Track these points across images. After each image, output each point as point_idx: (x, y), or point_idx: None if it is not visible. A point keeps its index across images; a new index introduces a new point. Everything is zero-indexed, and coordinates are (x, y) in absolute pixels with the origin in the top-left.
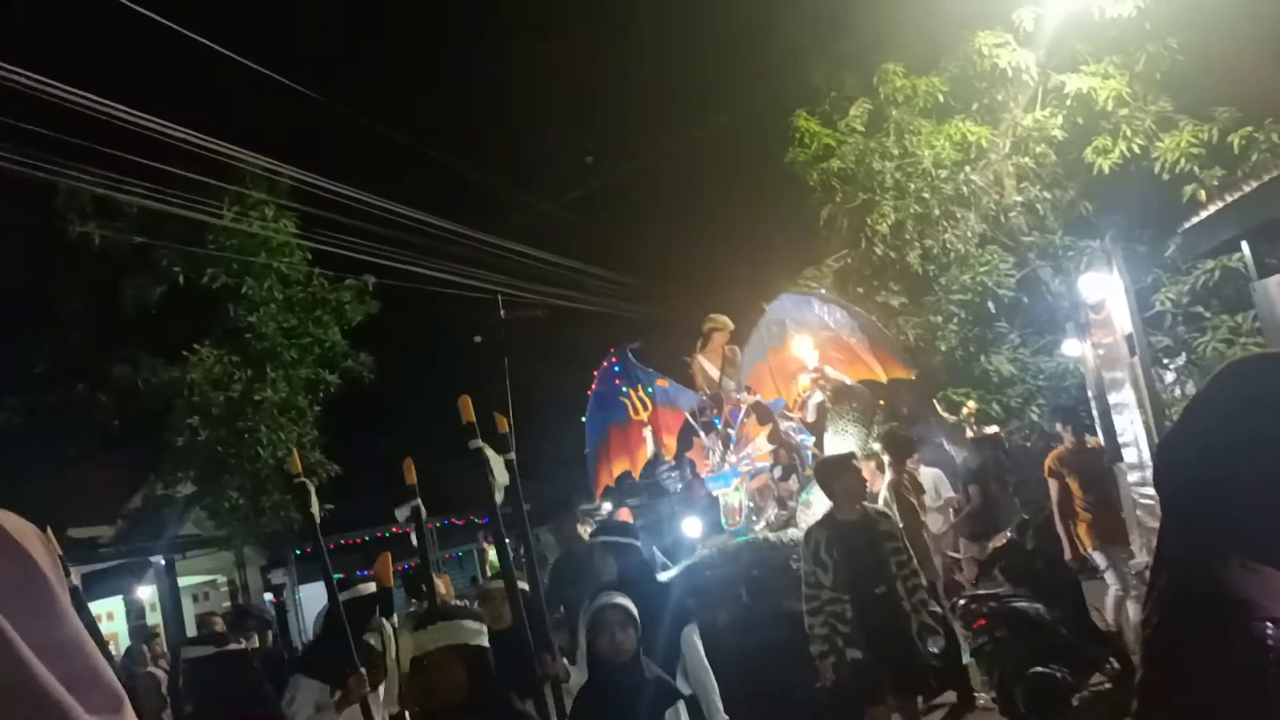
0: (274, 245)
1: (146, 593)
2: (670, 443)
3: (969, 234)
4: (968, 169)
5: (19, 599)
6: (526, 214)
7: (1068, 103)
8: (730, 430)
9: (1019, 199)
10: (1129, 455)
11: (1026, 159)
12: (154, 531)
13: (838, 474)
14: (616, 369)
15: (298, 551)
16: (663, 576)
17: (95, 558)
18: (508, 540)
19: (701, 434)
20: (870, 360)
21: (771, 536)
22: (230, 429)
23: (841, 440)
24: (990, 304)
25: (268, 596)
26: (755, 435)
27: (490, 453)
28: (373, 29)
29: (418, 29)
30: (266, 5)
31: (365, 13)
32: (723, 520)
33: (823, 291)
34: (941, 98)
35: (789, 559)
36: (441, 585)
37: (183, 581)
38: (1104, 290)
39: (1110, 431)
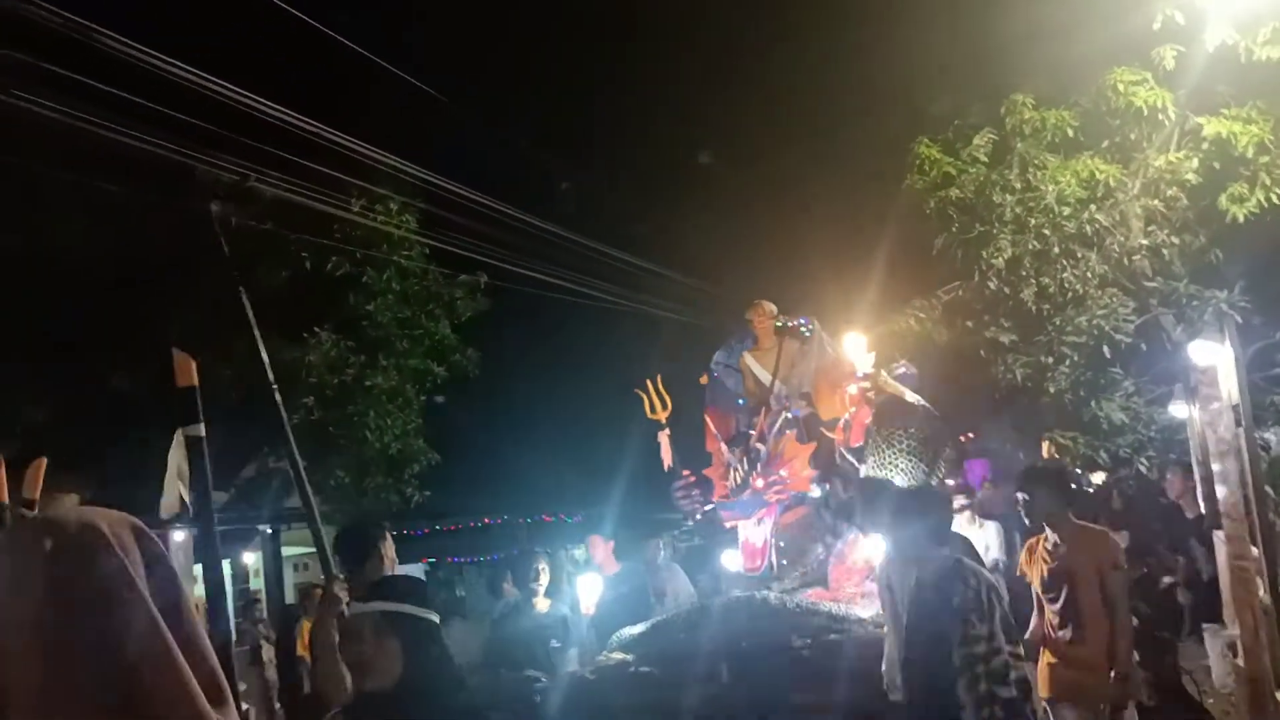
0: (395, 239)
1: (252, 559)
2: (712, 449)
3: (1089, 274)
4: (1093, 207)
5: (128, 602)
6: (642, 226)
7: (1204, 146)
8: (760, 445)
9: (1145, 242)
10: (1227, 525)
11: (1156, 201)
12: (263, 501)
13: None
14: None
15: (393, 533)
16: (633, 631)
17: None
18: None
19: (724, 447)
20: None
21: (773, 598)
22: (341, 411)
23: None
24: (1106, 348)
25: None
26: (794, 456)
27: None
28: (508, 41)
29: (554, 45)
30: (411, 14)
31: (504, 25)
32: (739, 563)
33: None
34: (1071, 132)
35: (793, 632)
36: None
37: (285, 551)
38: (1214, 357)
39: (1211, 498)
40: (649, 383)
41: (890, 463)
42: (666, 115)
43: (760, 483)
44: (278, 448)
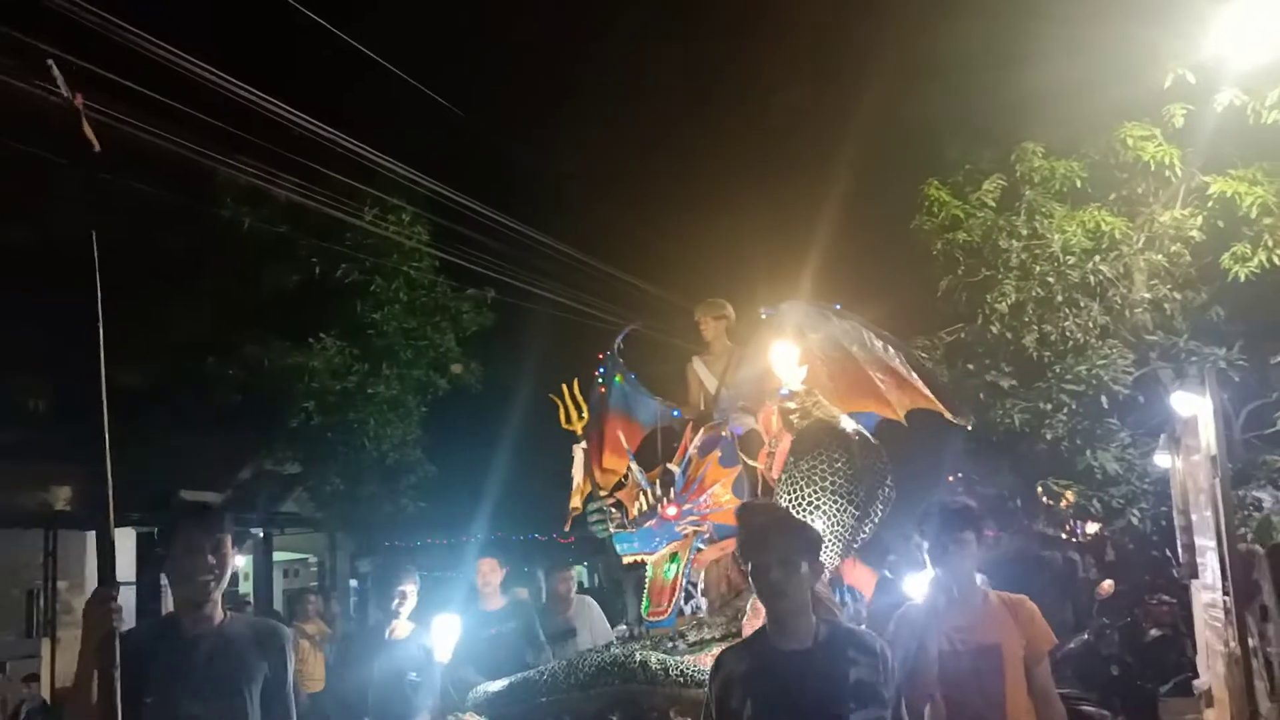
0: (405, 249)
1: (242, 562)
2: (614, 466)
3: (1090, 324)
4: (1097, 258)
5: None
6: (654, 254)
7: (1210, 204)
8: (671, 467)
9: (1147, 295)
10: (1204, 576)
11: (1160, 256)
12: (258, 504)
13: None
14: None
15: (386, 543)
16: (491, 688)
17: None
18: None
19: (634, 466)
20: (925, 391)
21: (654, 661)
22: (341, 417)
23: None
24: (1104, 398)
25: (353, 582)
26: (715, 480)
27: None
28: (532, 59)
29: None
30: (435, 26)
31: (529, 43)
32: (643, 604)
33: (838, 307)
34: (1079, 183)
35: (671, 706)
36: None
37: (277, 556)
38: (1193, 408)
39: (1189, 548)
40: (564, 388)
41: (809, 502)
42: (676, 152)
43: (673, 510)
44: (274, 452)
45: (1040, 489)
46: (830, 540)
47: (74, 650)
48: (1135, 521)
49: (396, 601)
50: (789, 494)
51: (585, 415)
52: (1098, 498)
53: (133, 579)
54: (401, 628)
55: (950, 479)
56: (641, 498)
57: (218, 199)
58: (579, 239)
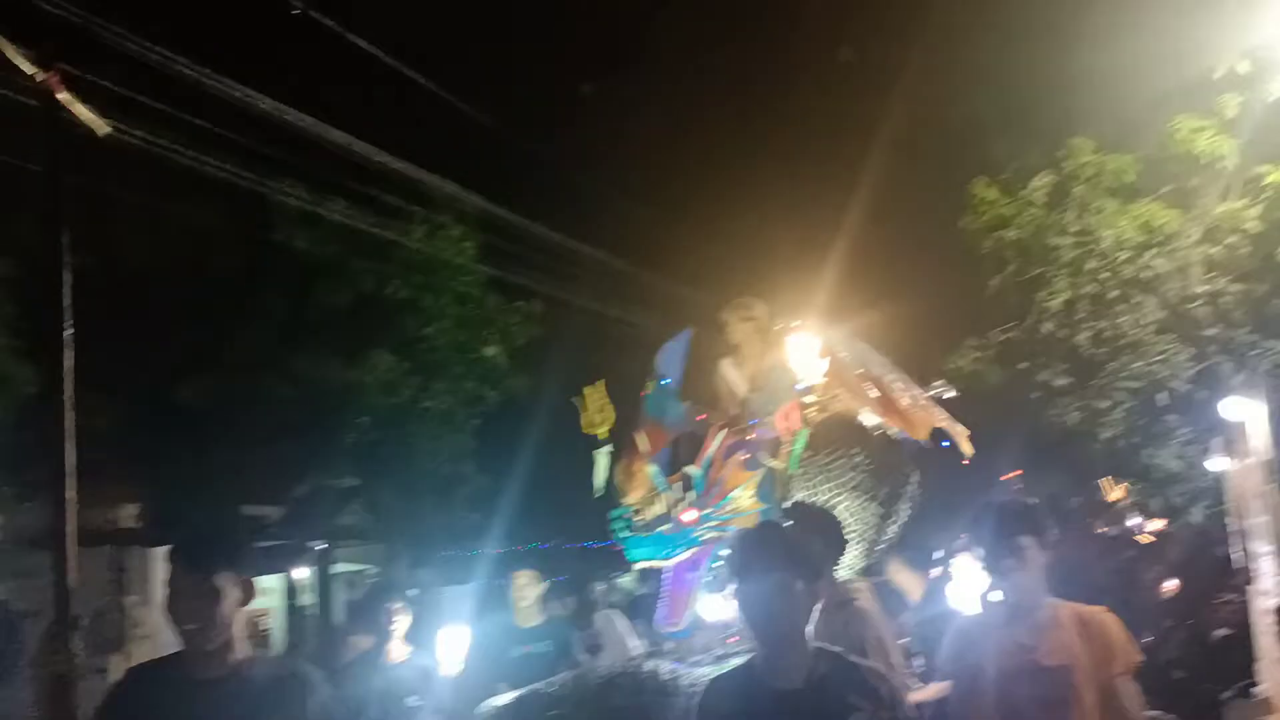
0: (454, 265)
1: (303, 575)
2: (637, 472)
3: (1146, 320)
4: (1151, 253)
5: None
6: (697, 256)
7: (1266, 194)
8: (691, 470)
9: (1204, 289)
10: (1260, 581)
11: (1216, 249)
12: (315, 518)
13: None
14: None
15: (443, 553)
16: (499, 702)
17: (263, 536)
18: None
19: (652, 469)
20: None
21: (664, 672)
22: (395, 431)
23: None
24: (1161, 395)
25: (412, 591)
26: (736, 484)
27: None
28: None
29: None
30: (482, 48)
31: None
32: (658, 613)
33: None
34: (1130, 178)
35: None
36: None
37: (337, 568)
38: (1245, 413)
39: (1246, 554)
40: (587, 390)
41: (828, 500)
42: (719, 156)
43: (691, 514)
44: (331, 466)
45: (1096, 488)
46: (853, 540)
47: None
48: (1198, 520)
49: (390, 624)
50: (806, 491)
51: (610, 419)
52: (1158, 496)
53: None
54: (397, 650)
55: (1004, 478)
56: (657, 502)
57: (271, 222)
58: (623, 247)
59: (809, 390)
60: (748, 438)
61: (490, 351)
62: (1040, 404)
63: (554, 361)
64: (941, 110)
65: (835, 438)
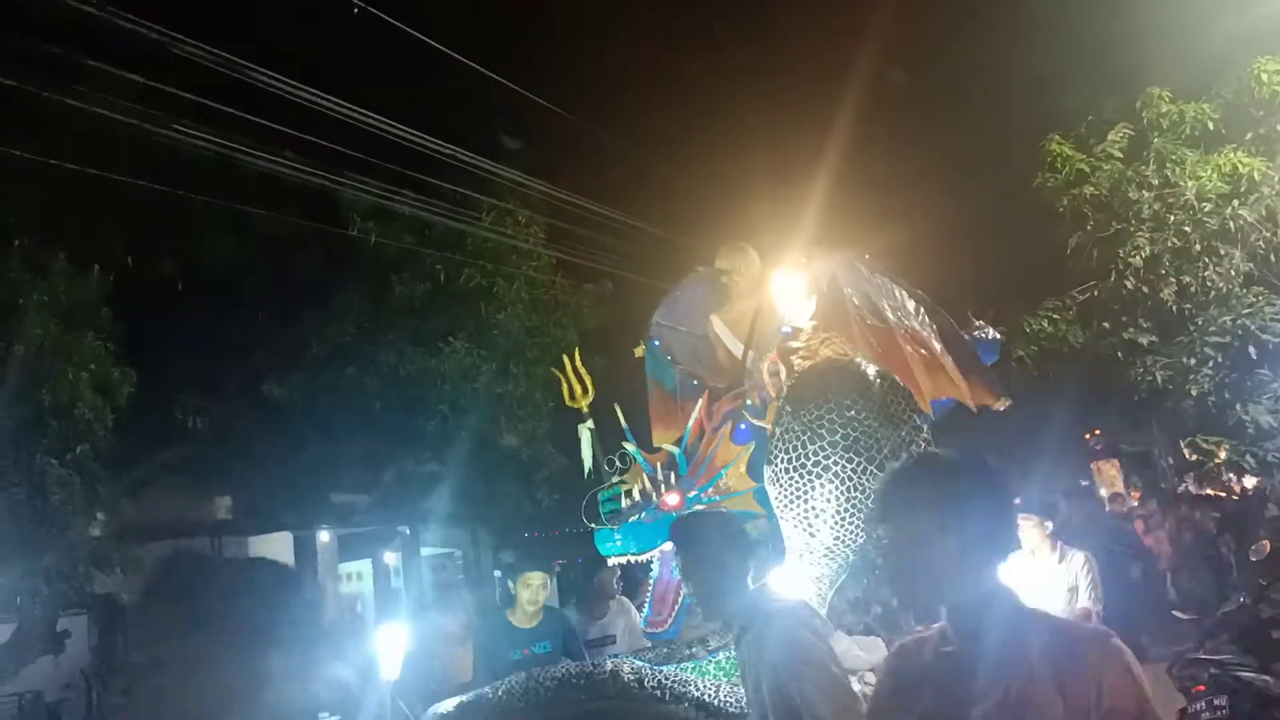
0: (523, 251)
1: (393, 558)
2: (665, 436)
3: (1232, 272)
4: (1236, 203)
5: None
6: (767, 224)
7: None
8: (669, 448)
9: None
10: None
11: None
12: (402, 503)
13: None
14: None
15: (526, 534)
16: (443, 709)
17: (353, 522)
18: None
19: (629, 447)
20: (954, 376)
21: (627, 672)
22: (475, 417)
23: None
24: (1252, 349)
25: (496, 573)
26: (724, 462)
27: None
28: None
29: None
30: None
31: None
32: (644, 612)
33: (866, 257)
34: (1211, 125)
35: None
36: None
37: (423, 551)
38: None
39: None
40: (566, 361)
41: (814, 463)
42: (789, 117)
43: (674, 499)
44: (415, 453)
45: (1185, 447)
46: (847, 513)
47: None
48: None
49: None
50: (786, 454)
51: (590, 392)
52: (1251, 453)
53: None
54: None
55: (1087, 436)
56: (636, 486)
57: (347, 218)
58: (685, 221)
59: (795, 333)
60: (747, 401)
61: (563, 334)
62: (1126, 363)
63: (627, 342)
64: (1011, 67)
65: (823, 386)
